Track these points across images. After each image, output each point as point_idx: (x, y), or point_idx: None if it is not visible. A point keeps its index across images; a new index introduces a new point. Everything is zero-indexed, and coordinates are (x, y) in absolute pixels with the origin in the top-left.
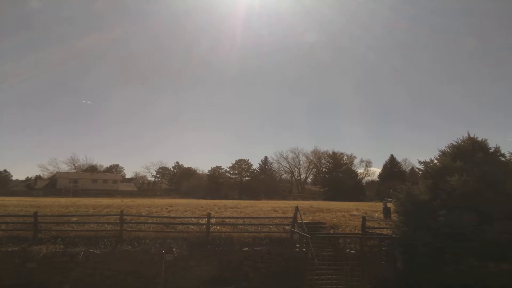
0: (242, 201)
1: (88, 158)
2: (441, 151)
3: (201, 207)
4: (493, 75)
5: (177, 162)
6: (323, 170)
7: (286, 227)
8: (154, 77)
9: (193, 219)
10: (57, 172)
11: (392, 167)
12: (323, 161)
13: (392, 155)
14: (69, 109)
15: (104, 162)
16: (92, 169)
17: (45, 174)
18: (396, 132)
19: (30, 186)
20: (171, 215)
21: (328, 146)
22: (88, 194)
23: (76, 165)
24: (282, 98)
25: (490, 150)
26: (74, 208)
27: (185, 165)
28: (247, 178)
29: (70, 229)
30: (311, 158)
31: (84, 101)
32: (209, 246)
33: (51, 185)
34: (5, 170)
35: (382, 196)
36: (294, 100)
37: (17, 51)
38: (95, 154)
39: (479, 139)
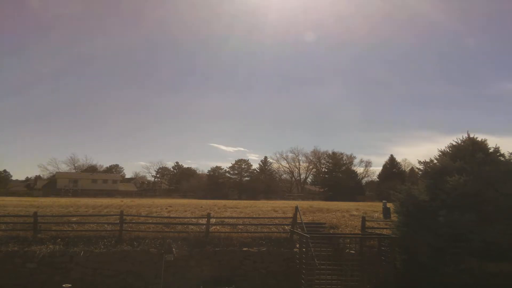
0: (242, 201)
1: (88, 158)
2: (440, 151)
3: (201, 207)
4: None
5: (177, 162)
6: (323, 170)
7: (286, 227)
8: (155, 77)
9: (192, 219)
10: (57, 172)
11: (392, 167)
12: (322, 161)
13: (391, 155)
14: (69, 109)
15: (104, 162)
16: (92, 169)
17: (45, 174)
18: (396, 132)
19: (30, 186)
20: (171, 215)
21: (328, 146)
22: (88, 194)
23: (76, 165)
24: (283, 97)
25: (490, 150)
26: (74, 208)
27: (185, 165)
28: (246, 178)
29: (70, 229)
30: (311, 158)
31: None
32: (208, 246)
33: (51, 185)
34: (5, 170)
35: (382, 196)
36: (294, 100)
37: (18, 52)
38: (95, 154)
39: (479, 139)
